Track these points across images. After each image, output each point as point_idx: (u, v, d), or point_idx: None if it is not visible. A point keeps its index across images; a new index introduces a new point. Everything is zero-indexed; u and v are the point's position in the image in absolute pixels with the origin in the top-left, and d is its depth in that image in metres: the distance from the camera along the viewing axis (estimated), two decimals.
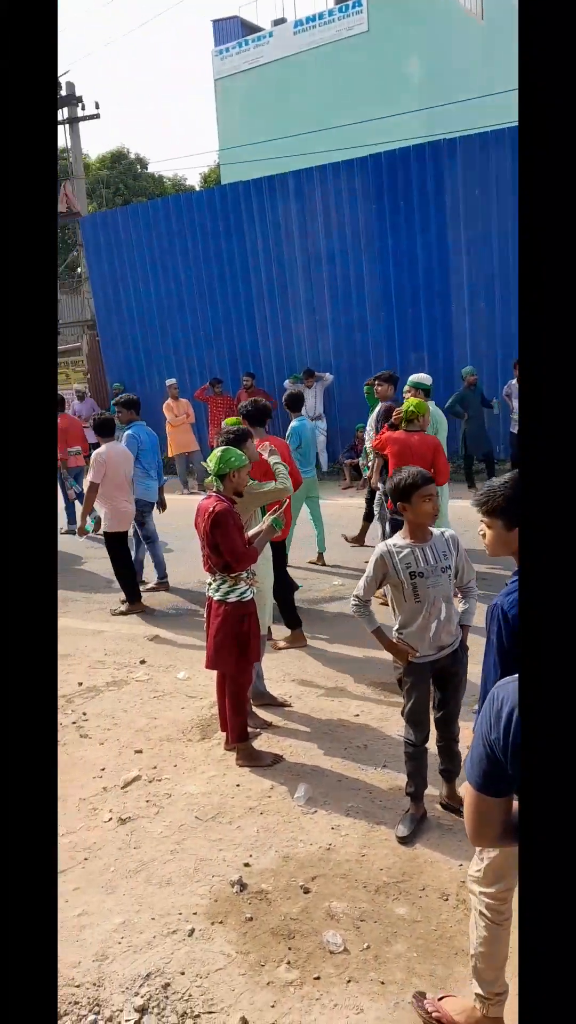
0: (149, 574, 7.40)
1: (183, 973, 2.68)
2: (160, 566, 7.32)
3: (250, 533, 4.14)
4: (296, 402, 7.17)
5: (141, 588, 6.96)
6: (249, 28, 29.78)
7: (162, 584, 7.29)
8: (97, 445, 6.91)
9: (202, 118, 78.07)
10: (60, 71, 24.53)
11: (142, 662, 5.54)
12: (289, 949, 2.77)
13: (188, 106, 75.61)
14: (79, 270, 17.08)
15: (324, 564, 7.58)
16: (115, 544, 6.71)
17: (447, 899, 2.97)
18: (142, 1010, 2.53)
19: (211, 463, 4.01)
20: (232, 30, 29.77)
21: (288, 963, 2.71)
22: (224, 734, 4.22)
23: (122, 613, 6.74)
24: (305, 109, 25.33)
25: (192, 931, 2.87)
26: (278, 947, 2.78)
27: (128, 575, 6.76)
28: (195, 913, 2.97)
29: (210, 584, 4.12)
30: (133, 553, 7.03)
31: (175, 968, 2.70)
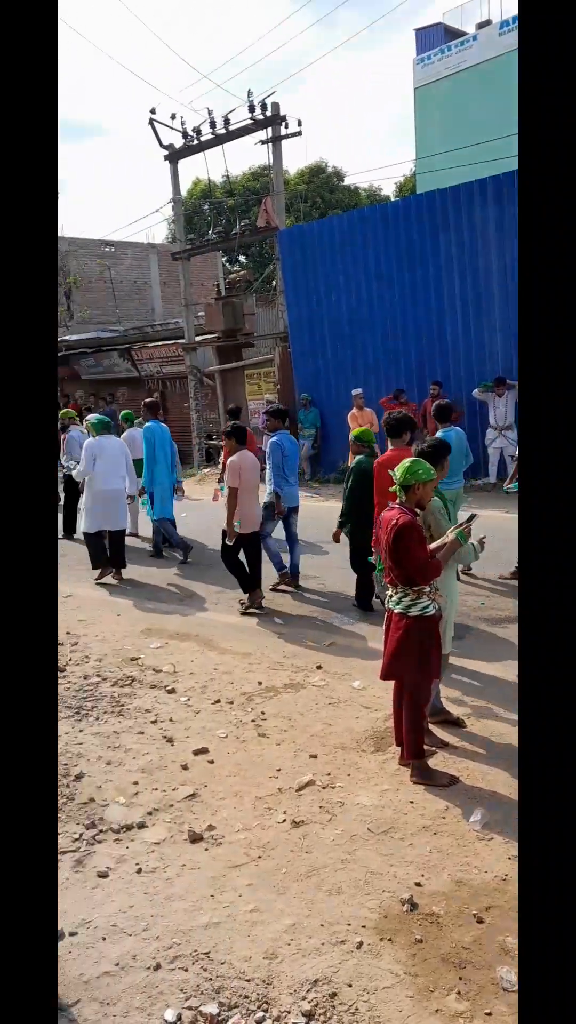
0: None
1: (350, 985, 2.67)
2: (278, 560, 7.69)
3: (433, 546, 4.07)
4: (444, 413, 7.03)
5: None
6: (452, 34, 29.49)
7: (285, 575, 7.72)
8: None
9: (400, 129, 78.23)
10: (266, 94, 25.27)
11: (318, 667, 5.61)
12: (460, 979, 2.68)
13: (386, 117, 76.09)
14: (274, 283, 17.67)
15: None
16: (238, 543, 7.09)
17: None
18: (309, 1015, 2.55)
19: (398, 472, 3.99)
20: (435, 37, 29.60)
21: (458, 993, 2.62)
22: (399, 748, 4.17)
23: (247, 607, 7.19)
24: (508, 112, 24.63)
25: (360, 944, 2.86)
26: (448, 975, 2.70)
27: (242, 572, 7.19)
28: (364, 926, 2.96)
29: (391, 596, 4.09)
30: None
31: (343, 979, 2.70)
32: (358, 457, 6.73)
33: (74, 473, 9.35)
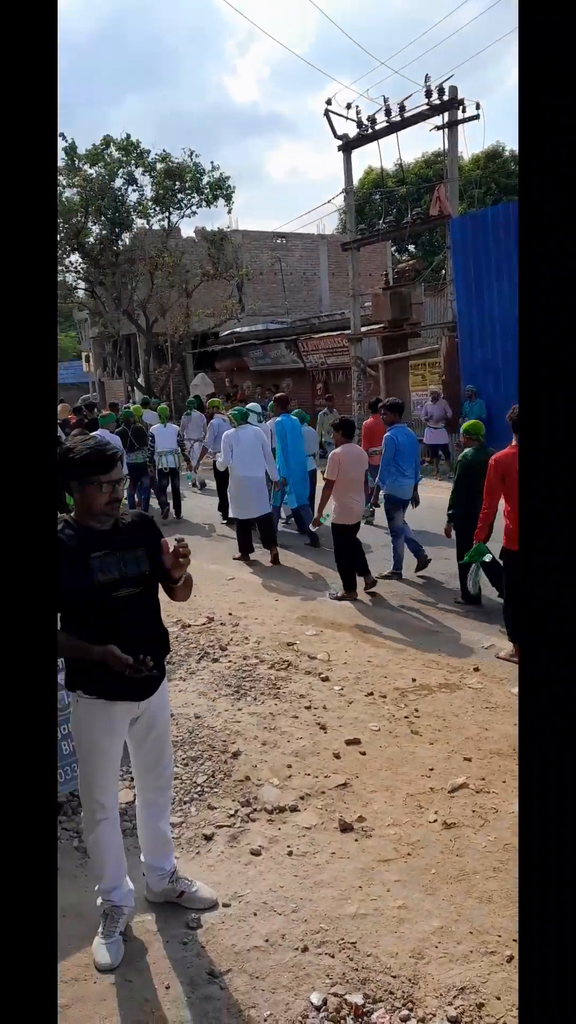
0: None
1: (499, 998, 2.60)
2: (398, 561, 7.88)
3: None
4: None
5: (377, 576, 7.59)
6: None
7: (394, 574, 7.93)
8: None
9: None
10: (443, 78, 24.67)
11: (476, 669, 5.48)
12: None
13: None
14: (444, 272, 17.31)
15: None
16: (341, 535, 7.32)
17: None
18: (455, 1022, 2.51)
19: None
20: None
21: None
22: None
23: (338, 598, 7.33)
24: None
25: (511, 958, 2.78)
26: None
27: (348, 565, 7.36)
28: (515, 939, 2.87)
29: None
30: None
31: (491, 990, 2.63)
32: (464, 451, 6.68)
33: (218, 463, 9.87)
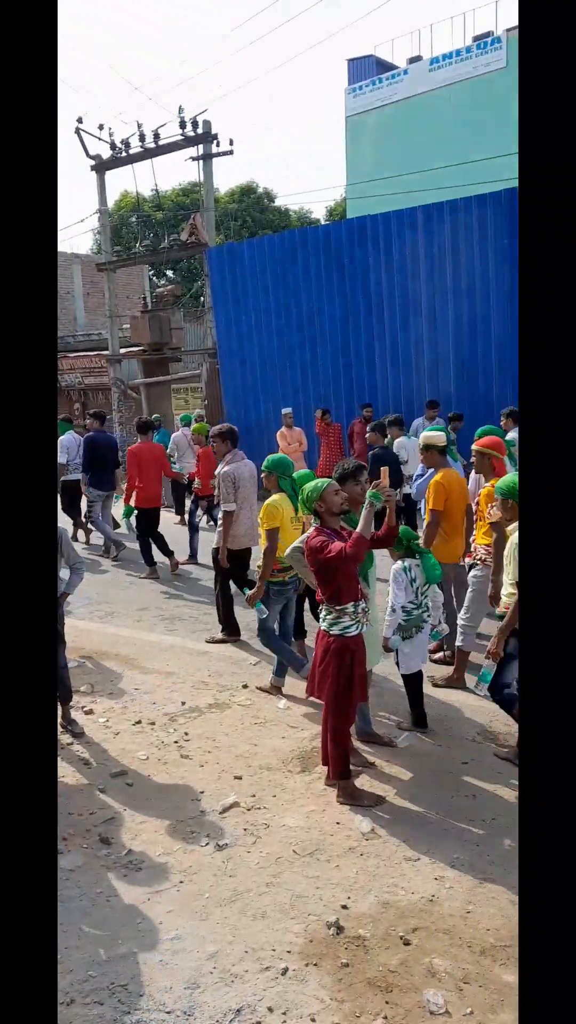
0: None
1: (272, 1010, 2.58)
2: None
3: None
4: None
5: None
6: (384, 67, 30.27)
7: None
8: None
9: (331, 154, 79.61)
10: (197, 111, 25.24)
11: (244, 687, 5.52)
12: (386, 1003, 2.63)
13: (317, 143, 77.36)
14: (203, 299, 17.63)
15: None
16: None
17: None
18: None
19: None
20: (367, 69, 30.30)
21: (384, 1017, 2.57)
22: (325, 768, 4.12)
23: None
24: (437, 145, 25.51)
25: (285, 970, 2.78)
26: (375, 999, 2.65)
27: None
28: (289, 951, 2.88)
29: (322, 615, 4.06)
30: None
31: (266, 1006, 2.61)
32: None
33: None
